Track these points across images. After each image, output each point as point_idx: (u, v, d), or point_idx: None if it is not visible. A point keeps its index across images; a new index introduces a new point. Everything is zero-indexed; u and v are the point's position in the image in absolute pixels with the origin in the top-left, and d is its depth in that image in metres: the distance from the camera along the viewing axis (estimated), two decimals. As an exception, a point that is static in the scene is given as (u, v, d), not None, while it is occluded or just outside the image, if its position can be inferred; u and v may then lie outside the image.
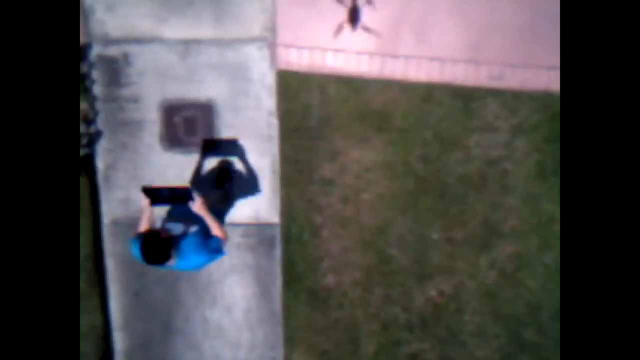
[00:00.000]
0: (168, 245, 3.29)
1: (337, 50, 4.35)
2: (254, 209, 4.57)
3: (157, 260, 3.31)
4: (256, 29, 4.26)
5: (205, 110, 4.41)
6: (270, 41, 4.27)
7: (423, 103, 4.48)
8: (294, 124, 4.49)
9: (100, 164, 4.50)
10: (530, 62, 4.35)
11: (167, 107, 4.40)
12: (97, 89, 4.36)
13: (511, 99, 4.44)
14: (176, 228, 3.48)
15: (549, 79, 4.38)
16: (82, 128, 4.37)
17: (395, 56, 4.36)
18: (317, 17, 4.33)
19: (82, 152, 4.38)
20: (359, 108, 4.49)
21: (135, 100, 4.37)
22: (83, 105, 4.36)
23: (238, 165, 4.45)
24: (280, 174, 4.54)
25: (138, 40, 4.28)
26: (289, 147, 4.53)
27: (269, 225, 4.58)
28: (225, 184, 4.42)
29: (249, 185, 4.45)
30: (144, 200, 3.55)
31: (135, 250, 3.44)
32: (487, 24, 4.32)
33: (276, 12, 4.25)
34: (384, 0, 4.29)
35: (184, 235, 3.45)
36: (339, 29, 4.25)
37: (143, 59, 4.31)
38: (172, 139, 4.44)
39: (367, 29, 4.22)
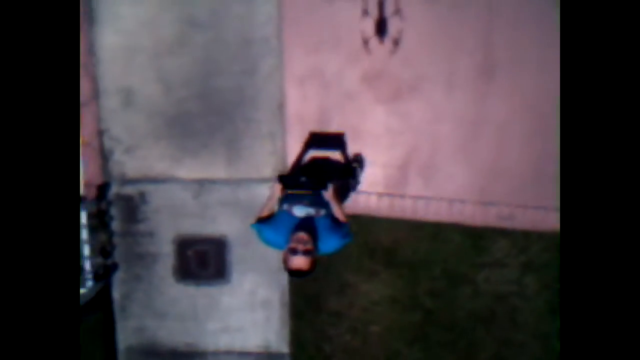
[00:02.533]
0: (312, 271, 3.40)
1: (346, 190, 4.49)
2: (264, 338, 4.66)
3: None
4: (267, 170, 4.39)
5: (218, 245, 4.54)
6: (281, 181, 4.42)
7: (431, 240, 4.53)
8: (304, 258, 4.63)
9: (116, 294, 4.67)
10: (538, 203, 4.38)
11: (181, 241, 4.54)
12: (115, 224, 4.57)
13: (521, 237, 4.46)
14: (308, 210, 3.52)
15: (558, 220, 4.40)
16: (100, 260, 4.57)
17: (403, 196, 4.45)
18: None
19: (99, 284, 4.59)
20: (368, 244, 4.56)
21: (150, 235, 4.53)
22: (101, 239, 4.57)
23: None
24: (290, 306, 4.64)
25: (154, 180, 4.45)
26: (299, 280, 4.65)
27: (279, 355, 4.66)
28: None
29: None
30: (276, 187, 3.62)
31: (266, 235, 3.54)
32: (494, 167, 4.36)
33: (287, 155, 4.41)
34: (391, 143, 4.38)
35: (316, 216, 3.51)
36: (365, 42, 4.21)
37: (158, 197, 4.47)
38: (185, 272, 4.58)
39: (395, 41, 4.15)
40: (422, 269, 4.55)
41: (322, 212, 3.57)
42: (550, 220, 4.37)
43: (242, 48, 4.23)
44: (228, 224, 4.49)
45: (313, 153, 4.44)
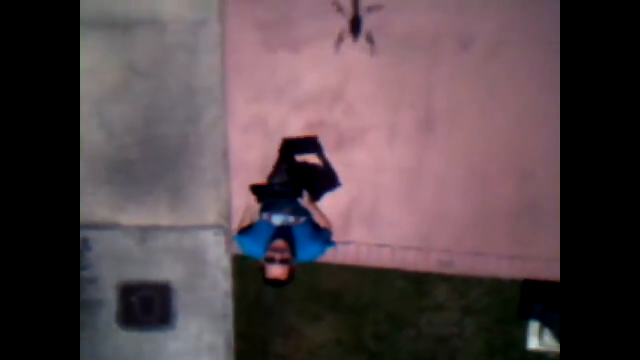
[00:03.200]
0: (290, 280, 3.38)
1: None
2: (210, 381, 4.72)
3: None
4: (212, 217, 4.42)
5: (162, 291, 4.53)
6: (225, 228, 4.43)
7: (375, 285, 4.62)
8: (249, 303, 4.62)
9: (58, 340, 4.64)
10: (477, 249, 4.51)
11: (124, 287, 4.53)
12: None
13: (461, 283, 4.60)
14: (286, 219, 3.52)
15: (497, 266, 4.53)
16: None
17: (346, 242, 4.53)
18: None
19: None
20: (312, 289, 4.63)
21: (94, 281, 4.50)
22: (43, 285, 4.50)
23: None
24: (235, 350, 4.66)
25: (97, 226, 4.43)
26: (244, 324, 4.66)
27: (226, 398, 4.73)
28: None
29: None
30: (252, 198, 3.63)
31: (245, 246, 3.52)
32: (435, 215, 4.48)
33: (231, 201, 4.43)
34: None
35: (295, 224, 3.50)
36: (339, 39, 4.22)
37: (101, 243, 4.45)
38: (129, 318, 4.56)
39: (369, 40, 4.17)
40: (366, 312, 4.65)
41: (302, 219, 3.58)
42: (490, 266, 4.53)
43: (186, 96, 4.25)
44: (172, 269, 4.49)
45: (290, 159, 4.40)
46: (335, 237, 4.25)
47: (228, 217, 4.40)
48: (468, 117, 4.26)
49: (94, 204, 4.39)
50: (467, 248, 4.47)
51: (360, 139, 4.32)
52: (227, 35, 4.15)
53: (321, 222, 3.65)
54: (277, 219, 3.53)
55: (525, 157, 4.28)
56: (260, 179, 4.34)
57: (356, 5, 4.14)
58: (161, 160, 4.32)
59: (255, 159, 4.39)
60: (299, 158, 4.37)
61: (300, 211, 3.63)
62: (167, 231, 4.43)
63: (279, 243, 3.38)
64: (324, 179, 4.31)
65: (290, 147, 4.37)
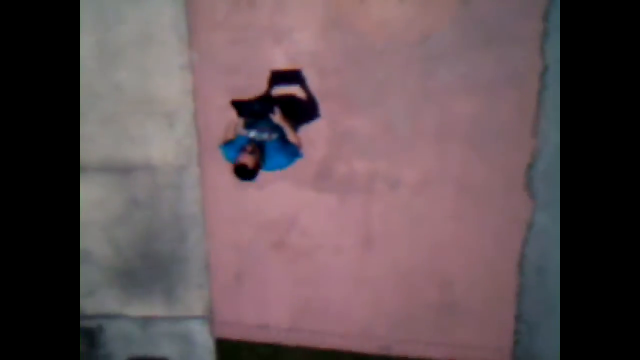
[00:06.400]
0: (255, 172, 3.96)
1: (261, 326, 5.62)
2: None
3: (249, 179, 3.98)
4: (198, 310, 5.55)
5: (162, 364, 5.78)
6: (209, 318, 5.56)
7: (328, 362, 5.75)
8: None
9: (83, 399, 5.91)
10: (411, 337, 5.51)
11: (132, 360, 5.80)
12: (81, 347, 5.73)
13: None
14: (260, 134, 4.10)
15: (426, 350, 5.54)
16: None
17: (301, 330, 5.62)
18: (246, 296, 5.57)
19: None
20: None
21: (108, 357, 5.74)
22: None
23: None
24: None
25: (109, 316, 5.62)
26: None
27: None
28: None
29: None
30: (235, 112, 4.21)
31: (228, 154, 4.16)
32: (376, 310, 5.47)
33: (212, 299, 5.53)
34: (291, 291, 5.41)
35: (269, 139, 4.11)
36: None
37: (113, 329, 5.66)
38: (137, 385, 5.85)
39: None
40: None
41: (274, 135, 4.14)
42: (419, 350, 5.55)
43: (175, 221, 5.33)
44: (169, 348, 5.70)
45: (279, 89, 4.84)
46: (292, 320, 5.32)
47: (210, 311, 5.55)
48: (399, 239, 5.24)
49: (107, 300, 5.60)
50: (402, 336, 5.54)
51: (313, 254, 5.37)
52: (205, 176, 5.19)
53: (291, 138, 4.23)
54: (254, 134, 4.12)
55: (445, 269, 5.28)
56: (236, 284, 5.48)
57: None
58: (157, 269, 5.46)
59: (231, 271, 5.48)
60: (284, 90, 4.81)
61: (273, 128, 4.19)
62: (164, 320, 5.62)
63: (249, 146, 4.05)
64: (305, 108, 4.78)
65: (276, 77, 4.78)
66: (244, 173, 3.95)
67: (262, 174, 4.97)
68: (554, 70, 4.62)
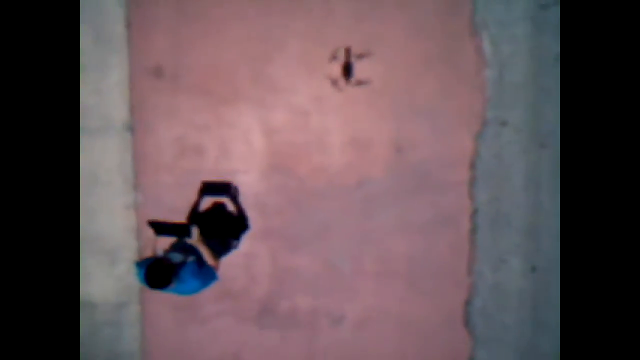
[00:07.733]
0: (170, 271, 3.67)
1: None
2: None
3: (160, 285, 3.66)
4: None
5: None
6: None
7: None
8: None
9: None
10: None
11: None
12: None
13: None
14: (176, 257, 3.91)
15: None
16: None
17: None
18: None
19: None
20: None
21: None
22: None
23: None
24: None
25: None
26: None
27: None
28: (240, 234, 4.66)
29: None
30: (152, 232, 4.05)
31: (140, 274, 3.86)
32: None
33: None
34: None
35: (183, 263, 3.87)
36: (334, 83, 4.84)
37: None
38: None
39: (360, 82, 4.79)
40: None
41: (191, 258, 3.97)
42: None
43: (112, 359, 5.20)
44: None
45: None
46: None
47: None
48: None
49: None
50: None
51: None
52: (145, 313, 5.14)
53: (209, 261, 4.04)
54: (173, 256, 3.90)
55: None
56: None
57: (348, 53, 4.82)
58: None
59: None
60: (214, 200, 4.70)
61: (189, 250, 4.03)
62: None
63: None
64: (235, 224, 4.62)
65: (207, 188, 4.67)
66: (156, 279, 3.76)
67: (205, 310, 4.97)
68: (483, 211, 4.96)
